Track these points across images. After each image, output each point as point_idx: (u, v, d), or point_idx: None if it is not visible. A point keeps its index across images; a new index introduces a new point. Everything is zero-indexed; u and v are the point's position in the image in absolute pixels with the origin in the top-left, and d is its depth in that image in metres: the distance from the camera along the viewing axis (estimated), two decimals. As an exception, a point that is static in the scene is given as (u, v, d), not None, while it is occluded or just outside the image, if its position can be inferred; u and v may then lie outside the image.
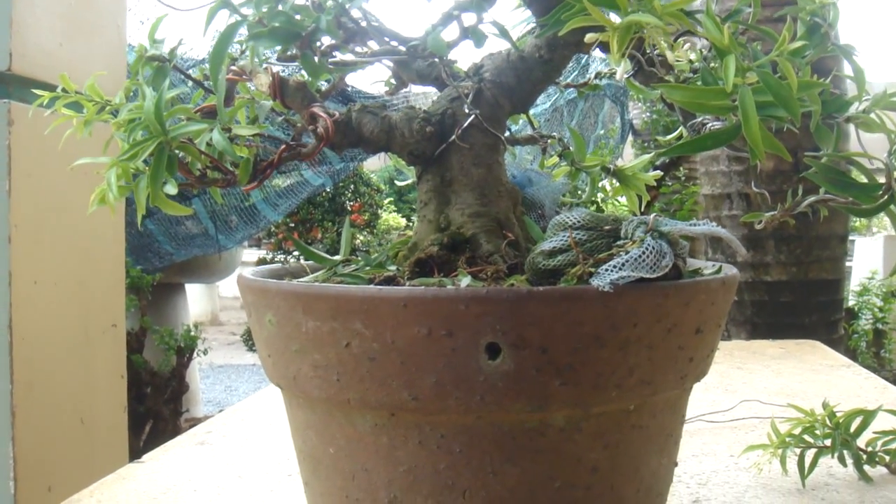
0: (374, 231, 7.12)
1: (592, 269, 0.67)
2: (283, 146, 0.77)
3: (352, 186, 6.83)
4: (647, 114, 5.21)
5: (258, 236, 7.03)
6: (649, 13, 0.60)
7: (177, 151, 0.71)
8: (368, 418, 0.69)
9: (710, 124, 0.78)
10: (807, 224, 3.53)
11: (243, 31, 0.76)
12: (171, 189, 0.71)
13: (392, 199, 8.60)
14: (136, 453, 1.29)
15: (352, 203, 6.83)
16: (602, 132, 4.86)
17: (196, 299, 8.90)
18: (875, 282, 5.32)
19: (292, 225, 6.49)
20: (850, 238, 5.43)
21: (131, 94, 0.83)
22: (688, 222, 0.70)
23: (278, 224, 5.85)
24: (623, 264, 0.65)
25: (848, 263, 4.54)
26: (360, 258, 0.86)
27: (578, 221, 0.72)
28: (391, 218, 8.06)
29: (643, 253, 0.66)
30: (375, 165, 7.72)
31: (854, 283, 5.52)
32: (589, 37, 0.63)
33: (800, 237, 3.59)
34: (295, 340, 0.70)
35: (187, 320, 5.02)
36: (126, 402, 2.35)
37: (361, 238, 6.93)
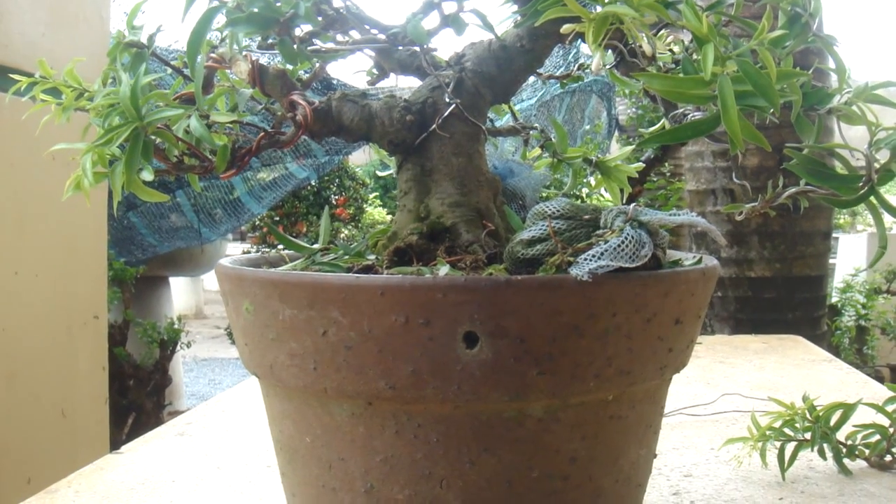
0: (359, 225, 7.11)
1: (571, 259, 0.66)
2: (262, 133, 0.76)
3: (337, 180, 6.82)
4: (633, 109, 5.20)
5: (242, 230, 7.01)
6: (626, 4, 0.60)
7: (153, 137, 0.71)
8: (345, 407, 0.69)
9: (691, 115, 0.78)
10: (790, 220, 3.54)
11: (224, 19, 0.75)
12: (148, 175, 0.70)
13: (377, 193, 8.58)
14: (117, 446, 1.28)
15: (337, 197, 6.82)
16: (588, 127, 4.86)
17: (180, 292, 8.84)
18: (858, 279, 5.33)
19: (277, 218, 6.47)
20: (834, 235, 5.44)
21: (110, 80, 0.82)
22: (667, 212, 0.70)
23: (262, 217, 5.83)
24: (602, 254, 0.65)
25: (832, 260, 4.54)
26: (338, 247, 0.85)
27: (558, 211, 0.72)
28: (376, 212, 8.04)
29: (622, 242, 0.66)
30: (361, 159, 7.70)
31: (837, 280, 5.53)
32: (565, 28, 0.63)
33: (784, 233, 3.60)
34: (271, 329, 0.70)
35: (171, 313, 5.00)
36: (108, 394, 2.34)
37: (346, 232, 6.92)
